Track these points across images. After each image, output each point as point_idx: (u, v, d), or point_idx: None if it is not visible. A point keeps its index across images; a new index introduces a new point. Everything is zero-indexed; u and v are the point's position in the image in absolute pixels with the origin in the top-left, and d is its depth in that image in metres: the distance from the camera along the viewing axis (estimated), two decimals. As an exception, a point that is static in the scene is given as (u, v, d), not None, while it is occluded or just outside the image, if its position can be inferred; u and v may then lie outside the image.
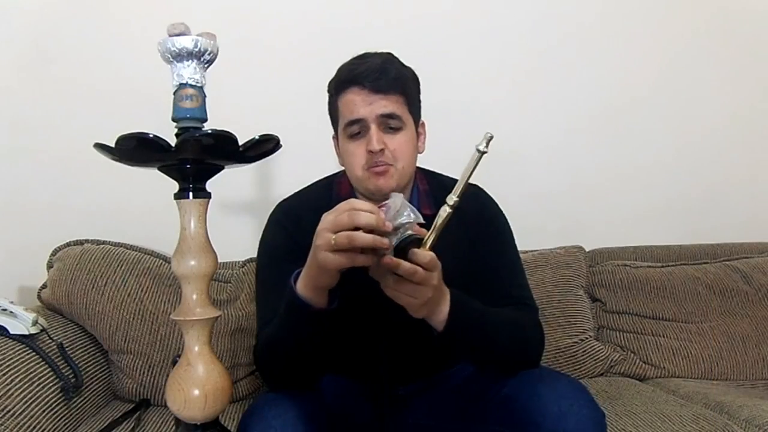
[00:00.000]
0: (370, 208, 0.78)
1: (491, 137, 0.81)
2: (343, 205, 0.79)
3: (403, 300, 0.84)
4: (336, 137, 1.09)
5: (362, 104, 0.99)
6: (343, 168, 1.10)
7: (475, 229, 1.09)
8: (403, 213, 0.80)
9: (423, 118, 1.11)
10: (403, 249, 0.80)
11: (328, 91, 1.07)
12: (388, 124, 1.00)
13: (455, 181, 1.12)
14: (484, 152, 0.81)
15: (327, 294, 0.85)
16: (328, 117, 1.09)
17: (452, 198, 0.83)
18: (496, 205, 1.16)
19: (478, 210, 1.11)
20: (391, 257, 0.79)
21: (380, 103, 0.99)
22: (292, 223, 1.06)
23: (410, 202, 1.04)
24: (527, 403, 0.89)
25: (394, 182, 1.01)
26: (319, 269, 0.81)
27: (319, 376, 1.00)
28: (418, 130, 1.08)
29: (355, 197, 1.06)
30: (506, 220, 1.15)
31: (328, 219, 0.79)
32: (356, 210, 0.77)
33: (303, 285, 0.85)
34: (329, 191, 1.11)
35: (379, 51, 1.05)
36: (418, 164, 1.11)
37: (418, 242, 0.81)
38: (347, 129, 1.02)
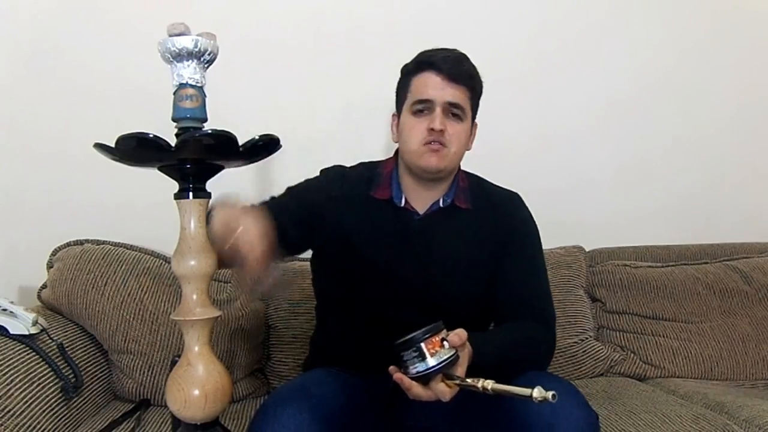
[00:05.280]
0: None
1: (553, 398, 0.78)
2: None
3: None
4: (397, 115, 1.16)
5: (435, 87, 1.06)
6: (383, 158, 1.21)
7: (505, 231, 1.14)
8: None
9: None
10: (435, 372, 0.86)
11: (402, 71, 1.14)
12: (452, 111, 1.07)
13: (494, 186, 1.23)
14: (534, 398, 0.78)
15: None
16: (395, 95, 1.16)
17: (491, 386, 0.83)
18: (529, 212, 1.20)
19: (510, 213, 1.17)
20: (402, 376, 0.87)
21: (450, 91, 1.06)
22: (333, 182, 1.18)
23: (449, 194, 1.15)
24: (521, 405, 0.89)
25: (444, 164, 1.08)
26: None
27: None
28: (472, 128, 1.15)
29: (397, 175, 1.16)
30: (536, 227, 1.19)
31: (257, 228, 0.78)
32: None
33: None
34: (375, 167, 1.20)
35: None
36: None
37: (454, 363, 0.87)
38: (414, 106, 1.09)
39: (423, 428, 1.09)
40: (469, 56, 1.11)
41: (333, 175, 1.21)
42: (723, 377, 1.61)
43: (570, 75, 1.85)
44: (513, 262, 1.13)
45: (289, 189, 1.19)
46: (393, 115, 1.18)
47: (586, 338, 1.62)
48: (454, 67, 1.07)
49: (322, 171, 1.24)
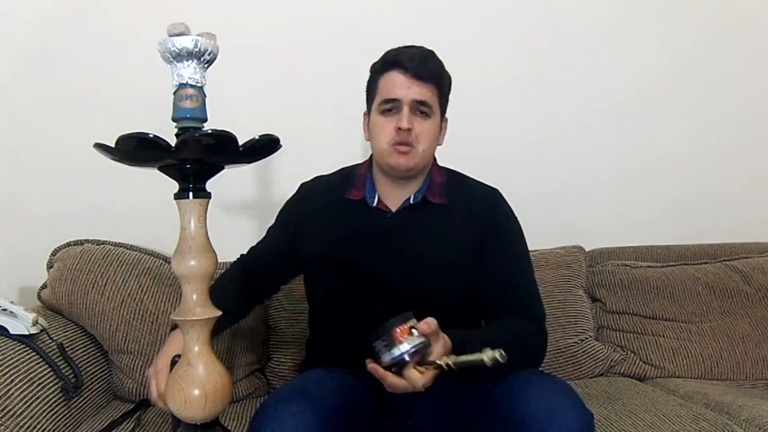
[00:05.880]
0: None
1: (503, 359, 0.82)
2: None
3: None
4: (367, 114, 1.17)
5: (401, 86, 1.07)
6: (360, 161, 1.22)
7: (486, 230, 1.13)
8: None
9: None
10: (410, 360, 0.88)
11: (371, 70, 1.15)
12: (419, 109, 1.08)
13: (475, 181, 1.22)
14: (486, 362, 0.83)
15: None
16: (365, 94, 1.17)
17: (452, 361, 0.87)
18: (510, 208, 1.19)
19: (490, 211, 1.16)
20: (376, 366, 0.90)
21: (417, 89, 1.07)
22: (309, 194, 1.24)
23: (420, 190, 1.15)
24: (515, 405, 0.90)
25: (413, 163, 1.10)
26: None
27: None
28: (442, 123, 1.16)
29: (371, 175, 1.18)
30: (518, 224, 1.18)
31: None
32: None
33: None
34: (352, 170, 1.23)
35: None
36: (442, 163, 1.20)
37: (424, 350, 0.89)
38: (381, 105, 1.10)
39: (421, 428, 1.09)
40: (436, 52, 1.11)
41: (308, 187, 1.26)
42: (723, 377, 1.61)
43: (570, 76, 1.85)
44: (497, 261, 1.12)
45: (269, 229, 1.28)
46: (364, 114, 1.19)
47: (586, 338, 1.62)
48: (420, 65, 1.07)
49: (301, 185, 1.27)
